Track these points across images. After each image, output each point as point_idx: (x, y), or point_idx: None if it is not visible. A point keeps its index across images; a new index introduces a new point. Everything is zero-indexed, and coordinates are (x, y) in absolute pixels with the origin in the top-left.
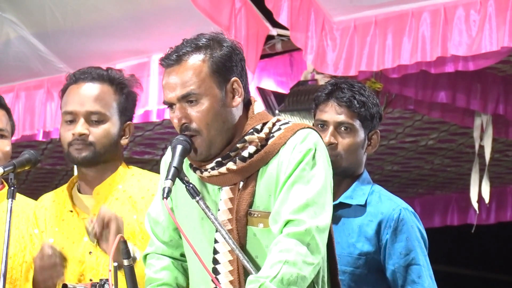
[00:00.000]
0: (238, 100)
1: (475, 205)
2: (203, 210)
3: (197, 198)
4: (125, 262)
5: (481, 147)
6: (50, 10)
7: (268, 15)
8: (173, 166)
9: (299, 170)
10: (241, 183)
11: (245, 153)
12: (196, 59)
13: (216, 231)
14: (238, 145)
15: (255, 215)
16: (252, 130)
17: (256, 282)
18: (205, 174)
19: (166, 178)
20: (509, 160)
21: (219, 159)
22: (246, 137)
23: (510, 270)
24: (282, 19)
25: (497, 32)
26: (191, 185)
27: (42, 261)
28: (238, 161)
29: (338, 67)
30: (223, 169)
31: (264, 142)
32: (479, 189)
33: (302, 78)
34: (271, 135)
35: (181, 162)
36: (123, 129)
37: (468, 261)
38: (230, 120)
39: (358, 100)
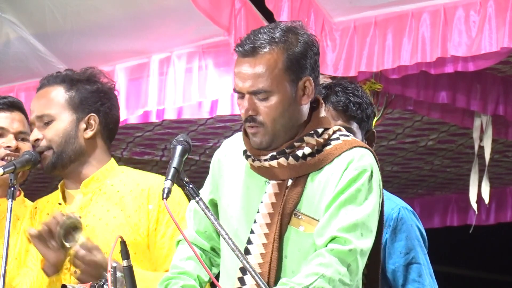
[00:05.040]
0: (308, 98)
1: (474, 205)
2: (202, 210)
3: (197, 198)
4: (124, 263)
5: (481, 148)
6: (50, 11)
7: (268, 16)
8: (173, 167)
9: (354, 190)
10: (290, 181)
11: (299, 153)
12: (271, 54)
13: (255, 221)
14: (295, 143)
15: (299, 217)
16: (312, 132)
17: (286, 285)
18: (256, 163)
19: (166, 178)
20: (509, 161)
21: (274, 153)
22: (305, 138)
23: (510, 270)
24: (283, 19)
25: (497, 32)
26: (190, 186)
27: (49, 221)
28: (290, 158)
29: (337, 68)
30: (274, 163)
31: (320, 147)
32: (479, 189)
33: None
34: (329, 142)
35: (180, 163)
36: (86, 122)
37: (468, 261)
38: (297, 117)
39: (353, 103)
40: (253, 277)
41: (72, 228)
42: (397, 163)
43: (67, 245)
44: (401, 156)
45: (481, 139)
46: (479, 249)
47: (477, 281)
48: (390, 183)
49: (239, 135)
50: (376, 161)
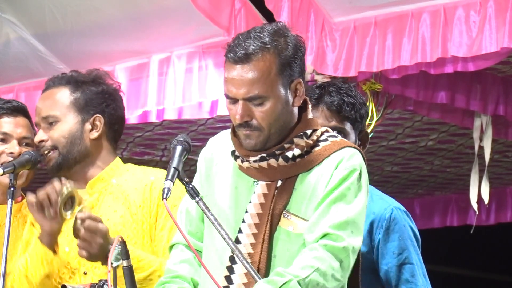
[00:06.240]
0: (299, 100)
1: (475, 206)
2: (202, 210)
3: (197, 198)
4: (124, 263)
5: (481, 148)
6: (49, 11)
7: (268, 16)
8: (173, 167)
9: (344, 189)
10: (279, 182)
11: (289, 154)
12: (264, 60)
13: (243, 221)
14: (285, 145)
15: (288, 217)
16: (302, 134)
17: (284, 276)
18: (245, 164)
19: (166, 178)
20: (509, 161)
21: (264, 154)
22: (295, 139)
23: (510, 270)
24: (283, 19)
25: (497, 33)
26: (190, 186)
27: (48, 189)
28: (280, 159)
29: (337, 68)
30: (264, 164)
31: (309, 148)
32: (479, 190)
33: None
34: (317, 143)
35: (180, 163)
36: (91, 123)
37: (468, 262)
38: (290, 119)
39: (347, 103)
40: (254, 277)
41: (70, 198)
42: (397, 163)
43: (65, 214)
44: (401, 156)
45: (481, 139)
46: (479, 249)
47: (477, 281)
48: (390, 183)
49: (224, 134)
50: (364, 161)
